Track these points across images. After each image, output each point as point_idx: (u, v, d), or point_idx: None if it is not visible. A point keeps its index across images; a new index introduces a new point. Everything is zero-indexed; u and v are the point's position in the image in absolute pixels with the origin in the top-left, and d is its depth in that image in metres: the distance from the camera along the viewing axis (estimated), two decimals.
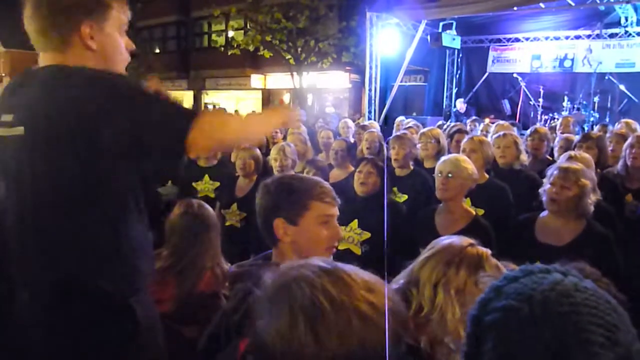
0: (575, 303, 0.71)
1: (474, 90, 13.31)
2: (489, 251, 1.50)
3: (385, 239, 2.48)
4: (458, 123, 6.76)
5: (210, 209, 2.39)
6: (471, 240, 1.52)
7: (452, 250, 1.47)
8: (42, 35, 1.47)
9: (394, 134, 5.15)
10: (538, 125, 10.02)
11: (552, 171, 2.71)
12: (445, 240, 1.56)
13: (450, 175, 2.84)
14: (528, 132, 4.58)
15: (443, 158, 3.02)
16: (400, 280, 1.53)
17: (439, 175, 2.88)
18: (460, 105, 12.19)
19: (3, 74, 25.26)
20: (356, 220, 3.15)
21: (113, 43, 1.55)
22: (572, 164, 2.82)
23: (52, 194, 1.41)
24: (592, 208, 2.63)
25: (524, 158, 3.91)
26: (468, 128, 6.47)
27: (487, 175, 3.46)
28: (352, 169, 4.18)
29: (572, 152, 3.33)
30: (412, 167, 3.95)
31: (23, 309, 1.51)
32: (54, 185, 1.40)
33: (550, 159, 4.27)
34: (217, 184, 4.43)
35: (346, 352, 0.83)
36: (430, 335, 1.40)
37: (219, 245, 2.32)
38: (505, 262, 1.50)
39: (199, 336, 2.05)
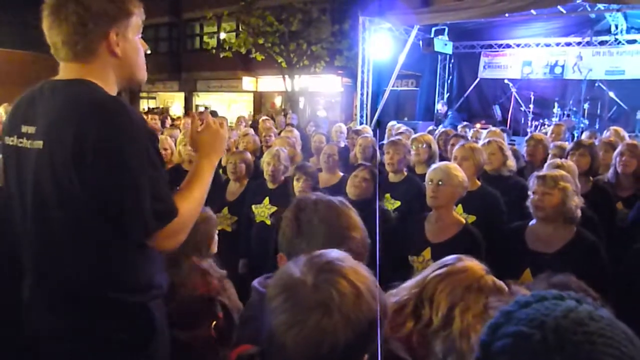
0: (590, 332, 0.68)
1: (465, 95, 13.36)
2: (504, 286, 1.48)
3: (378, 246, 2.46)
4: (447, 129, 6.76)
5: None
6: (484, 267, 1.50)
7: (470, 276, 1.45)
8: (68, 46, 1.47)
9: (386, 138, 5.14)
10: (529, 131, 10.14)
11: (532, 180, 2.75)
12: (456, 259, 1.53)
13: (440, 183, 2.84)
14: (525, 139, 4.61)
15: (433, 166, 3.02)
16: (409, 287, 1.51)
17: (430, 183, 2.88)
18: (441, 107, 12.35)
19: None
20: None
21: (135, 48, 1.57)
22: (551, 170, 2.85)
23: (69, 208, 1.42)
24: (579, 212, 2.65)
25: (512, 164, 3.92)
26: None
27: (478, 182, 3.46)
28: (341, 175, 4.17)
29: (558, 160, 3.36)
30: (405, 173, 3.94)
31: (40, 326, 1.52)
32: (70, 200, 1.40)
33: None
34: None
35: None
36: (433, 352, 1.38)
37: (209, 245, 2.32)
38: (518, 288, 1.49)
39: (192, 341, 2.04)
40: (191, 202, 1.53)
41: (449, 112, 12.40)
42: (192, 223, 1.54)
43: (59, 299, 1.48)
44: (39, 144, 1.43)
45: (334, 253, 1.04)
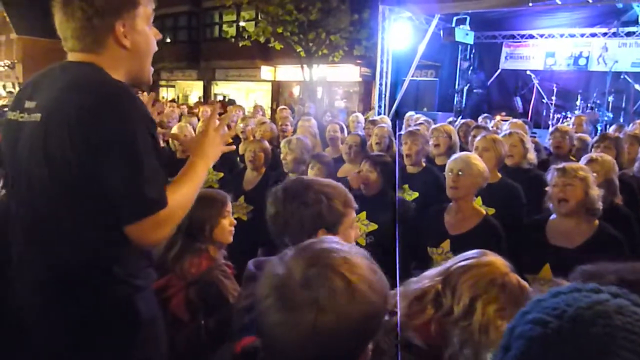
0: (613, 325, 0.65)
1: (486, 86, 13.17)
2: (527, 285, 1.45)
3: (397, 238, 2.43)
4: (468, 120, 6.63)
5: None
6: (509, 265, 1.48)
7: (495, 270, 1.43)
8: (76, 40, 1.47)
9: (404, 129, 5.07)
10: (551, 123, 9.95)
11: (550, 175, 2.69)
12: (481, 253, 1.51)
13: (460, 173, 2.79)
14: (550, 131, 4.51)
15: (453, 156, 2.98)
16: (432, 275, 1.50)
17: (450, 173, 2.84)
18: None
19: (15, 60, 25.40)
20: (364, 212, 3.13)
21: (145, 39, 1.56)
22: (567, 162, 2.80)
23: (59, 184, 1.40)
24: (600, 204, 2.59)
25: (532, 157, 3.85)
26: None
27: (499, 175, 3.40)
28: None
29: (592, 155, 3.26)
30: (424, 164, 3.89)
31: (23, 304, 1.50)
32: (60, 176, 1.39)
33: (574, 158, 4.18)
34: (221, 174, 4.41)
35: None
36: (450, 342, 1.37)
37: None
38: (559, 280, 1.45)
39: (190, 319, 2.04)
40: (180, 197, 1.48)
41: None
42: (178, 218, 1.48)
43: (42, 281, 1.46)
44: (36, 116, 1.43)
45: (324, 243, 0.99)
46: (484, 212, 2.89)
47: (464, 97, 13.54)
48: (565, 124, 8.45)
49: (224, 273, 2.22)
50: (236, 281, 2.17)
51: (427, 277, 1.49)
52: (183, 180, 1.54)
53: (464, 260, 1.47)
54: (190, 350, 2.00)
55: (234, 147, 3.07)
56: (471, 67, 13.53)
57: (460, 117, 10.86)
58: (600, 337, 0.64)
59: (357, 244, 3.00)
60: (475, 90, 12.47)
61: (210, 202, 2.23)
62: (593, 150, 3.73)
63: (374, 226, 3.10)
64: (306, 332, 0.88)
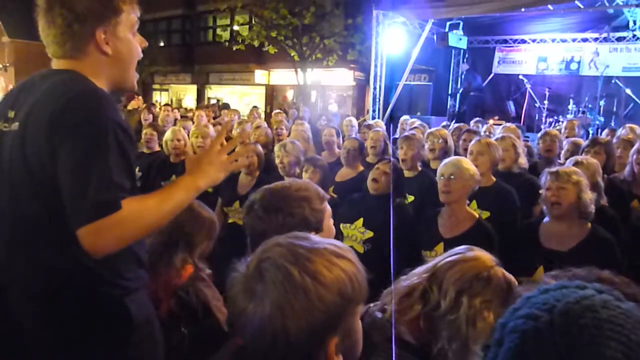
0: (599, 318, 0.71)
1: (483, 88, 13.24)
2: (513, 279, 1.49)
3: (392, 240, 2.45)
4: (461, 125, 6.68)
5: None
6: (495, 259, 1.52)
7: (480, 264, 1.47)
8: (58, 45, 1.48)
9: (399, 133, 5.10)
10: (543, 127, 10.03)
11: (544, 178, 2.72)
12: (467, 249, 1.55)
13: (452, 177, 2.82)
14: (539, 134, 4.57)
15: (444, 161, 3.01)
16: (420, 272, 1.53)
17: (441, 178, 2.87)
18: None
19: (7, 64, 25.26)
20: (362, 219, 3.14)
21: (128, 46, 1.56)
22: (563, 166, 2.82)
23: (39, 190, 1.41)
24: (593, 208, 2.62)
25: (523, 161, 3.88)
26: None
27: (494, 178, 3.43)
28: (362, 168, 4.16)
29: (578, 157, 3.30)
30: (419, 168, 3.92)
31: (15, 307, 1.50)
32: (41, 182, 1.40)
33: (563, 162, 4.23)
34: None
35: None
36: (439, 336, 1.40)
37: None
38: (547, 279, 1.49)
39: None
40: (144, 206, 1.39)
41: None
42: (137, 229, 1.38)
43: (30, 284, 1.46)
44: (16, 125, 1.45)
45: (284, 239, 1.00)
46: (477, 216, 2.92)
47: (457, 101, 13.62)
48: (558, 128, 8.52)
49: (205, 283, 2.21)
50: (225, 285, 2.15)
51: (416, 275, 1.53)
52: (158, 192, 1.48)
53: (450, 256, 1.52)
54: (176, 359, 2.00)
55: (245, 163, 3.02)
56: (467, 69, 13.61)
57: (454, 120, 10.92)
58: (589, 328, 0.70)
59: (354, 251, 3.04)
60: (472, 93, 12.51)
61: (202, 221, 2.18)
62: (584, 154, 3.77)
63: (370, 233, 3.12)
64: (248, 321, 0.93)
